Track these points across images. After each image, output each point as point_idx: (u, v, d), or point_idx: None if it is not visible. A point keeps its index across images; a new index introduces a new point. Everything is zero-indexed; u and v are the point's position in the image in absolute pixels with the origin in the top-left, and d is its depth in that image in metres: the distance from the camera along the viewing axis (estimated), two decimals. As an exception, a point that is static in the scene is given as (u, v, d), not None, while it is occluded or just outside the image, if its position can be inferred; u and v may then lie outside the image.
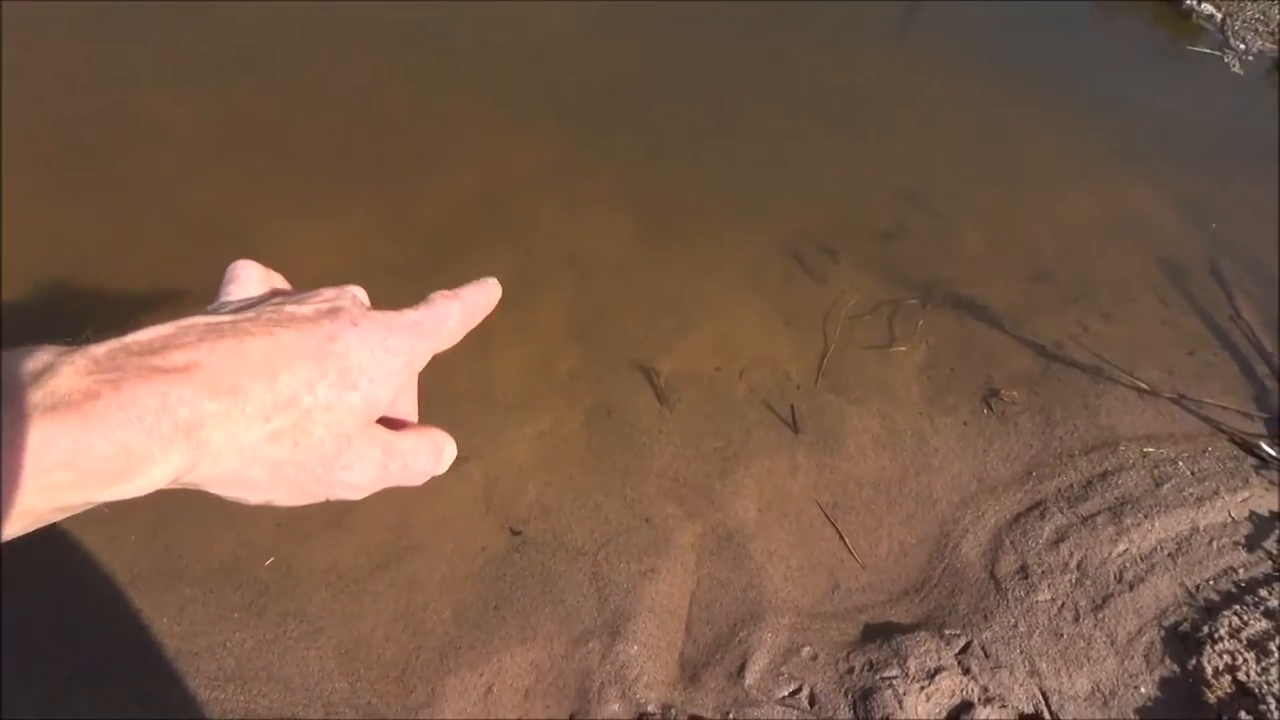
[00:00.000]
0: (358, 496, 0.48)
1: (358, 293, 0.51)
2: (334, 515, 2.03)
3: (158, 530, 1.96)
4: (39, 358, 0.37)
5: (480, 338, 2.40)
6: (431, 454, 0.51)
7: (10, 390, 0.35)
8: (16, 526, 0.36)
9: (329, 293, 0.49)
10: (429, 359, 0.52)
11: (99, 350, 0.38)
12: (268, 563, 1.94)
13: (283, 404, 0.42)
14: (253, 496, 0.44)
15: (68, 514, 0.38)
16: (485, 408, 2.26)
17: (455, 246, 2.59)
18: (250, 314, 0.45)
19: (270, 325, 0.44)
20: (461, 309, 0.53)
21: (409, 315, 0.50)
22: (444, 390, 2.28)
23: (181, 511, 1.99)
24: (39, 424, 0.35)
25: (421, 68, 3.10)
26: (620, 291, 2.56)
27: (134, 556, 1.91)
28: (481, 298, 0.56)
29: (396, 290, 2.34)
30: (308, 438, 0.43)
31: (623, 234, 2.70)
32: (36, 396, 0.35)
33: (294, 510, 2.02)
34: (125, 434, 0.37)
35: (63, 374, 0.36)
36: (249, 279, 0.52)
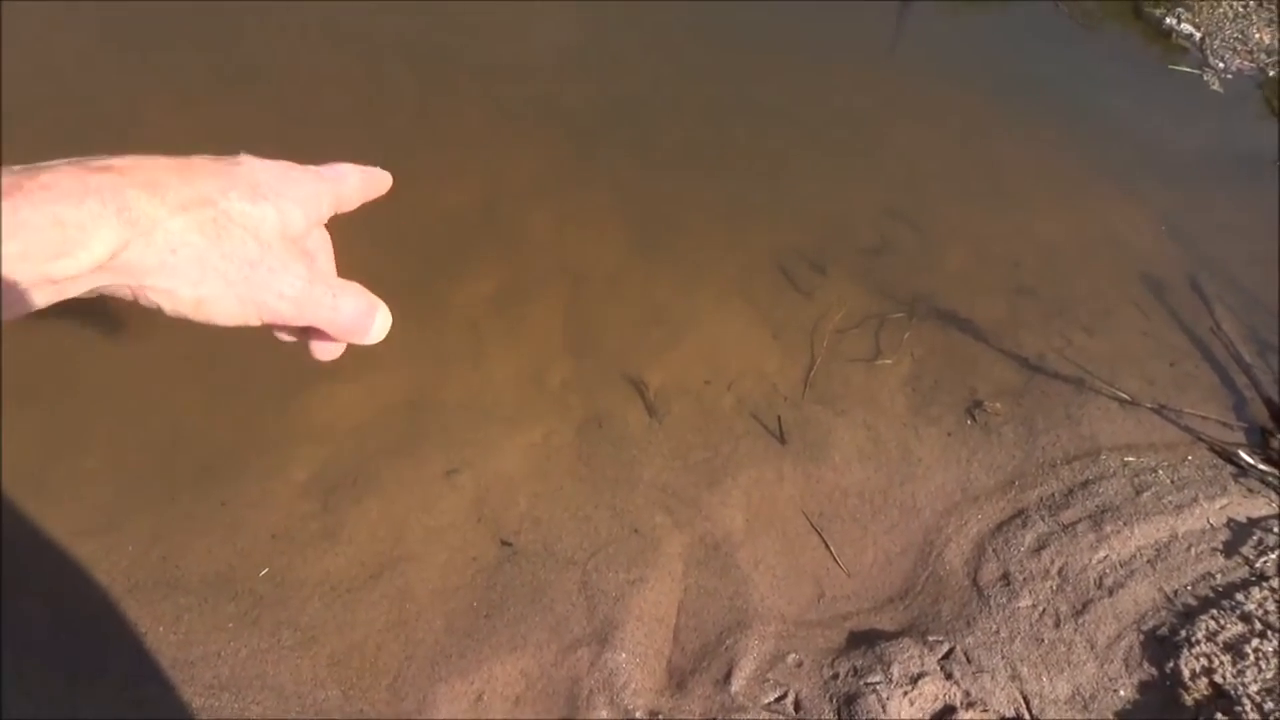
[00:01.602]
0: (287, 311, 0.50)
1: None
2: (327, 526, 2.07)
3: (155, 541, 1.99)
4: None
5: (473, 350, 2.45)
6: (360, 300, 0.53)
7: None
8: None
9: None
10: (331, 209, 0.56)
11: (14, 167, 0.43)
12: (262, 573, 1.97)
13: (199, 201, 0.46)
14: (185, 288, 0.46)
15: (39, 292, 0.42)
16: (477, 419, 2.30)
17: (451, 257, 2.63)
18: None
19: (178, 156, 0.49)
20: (360, 174, 0.58)
21: (310, 166, 0.55)
22: (437, 401, 2.32)
23: (179, 522, 2.02)
24: None
25: (420, 81, 3.14)
26: (612, 304, 2.61)
27: (131, 566, 1.94)
28: (377, 178, 0.61)
29: (389, 299, 2.38)
30: (228, 234, 0.47)
31: (615, 247, 2.75)
32: None
33: (289, 523, 2.06)
34: (54, 208, 0.41)
35: None
36: None
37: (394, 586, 1.98)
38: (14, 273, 0.41)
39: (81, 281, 0.44)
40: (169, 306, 0.47)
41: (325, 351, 0.56)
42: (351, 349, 0.57)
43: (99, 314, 2.35)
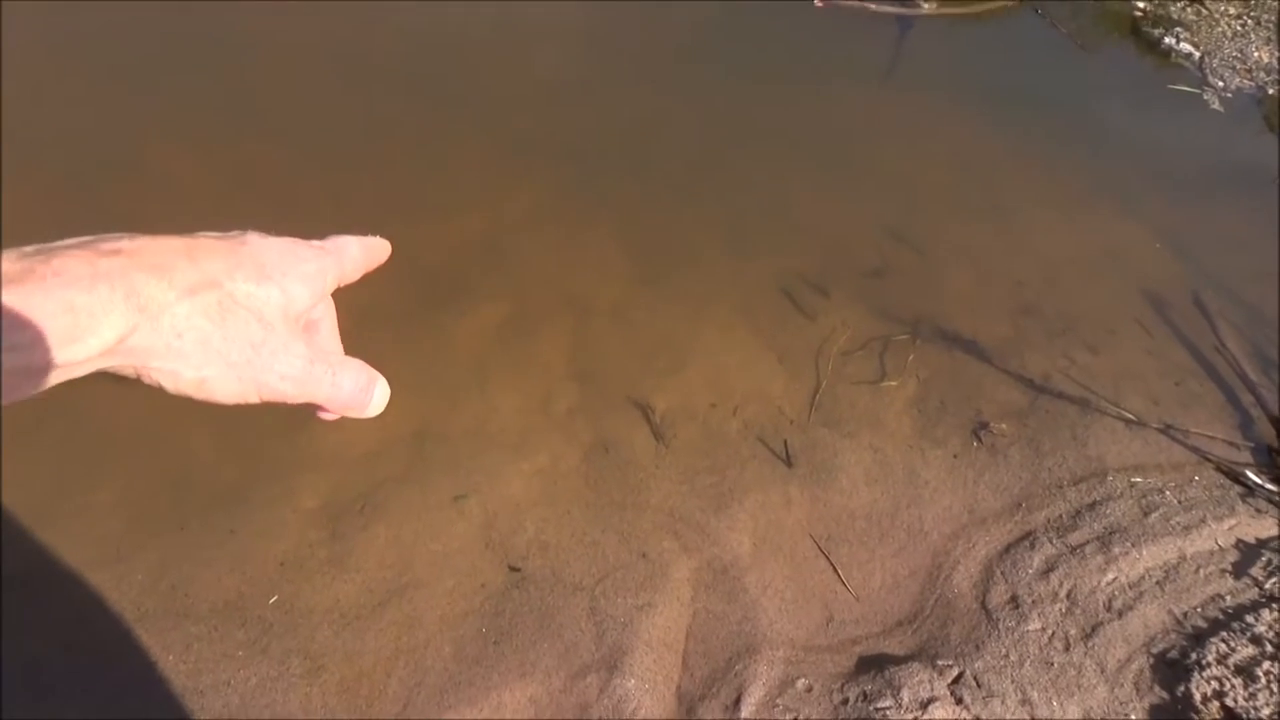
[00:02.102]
0: (289, 390, 0.51)
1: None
2: (335, 554, 2.07)
3: (164, 570, 2.00)
4: None
5: (479, 378, 2.47)
6: (360, 376, 0.55)
7: None
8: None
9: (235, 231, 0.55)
10: (335, 283, 0.57)
11: (27, 248, 0.44)
12: (271, 601, 1.98)
13: (205, 283, 0.47)
14: (188, 370, 0.47)
15: (46, 376, 0.43)
16: (485, 445, 2.31)
17: (455, 288, 2.65)
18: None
19: (186, 236, 0.50)
20: (360, 246, 0.60)
21: (313, 241, 0.57)
22: (444, 429, 2.33)
23: (188, 551, 2.03)
24: None
25: (422, 114, 3.18)
26: (616, 331, 2.62)
27: (141, 595, 1.95)
28: (378, 248, 0.62)
29: (396, 329, 2.40)
30: (233, 316, 0.48)
31: (618, 274, 2.77)
32: None
33: (297, 550, 2.07)
34: (66, 293, 0.42)
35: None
36: None
37: (402, 613, 1.99)
38: (24, 359, 0.42)
39: (87, 364, 0.44)
40: (171, 386, 0.48)
41: (327, 415, 0.58)
42: None
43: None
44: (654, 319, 2.66)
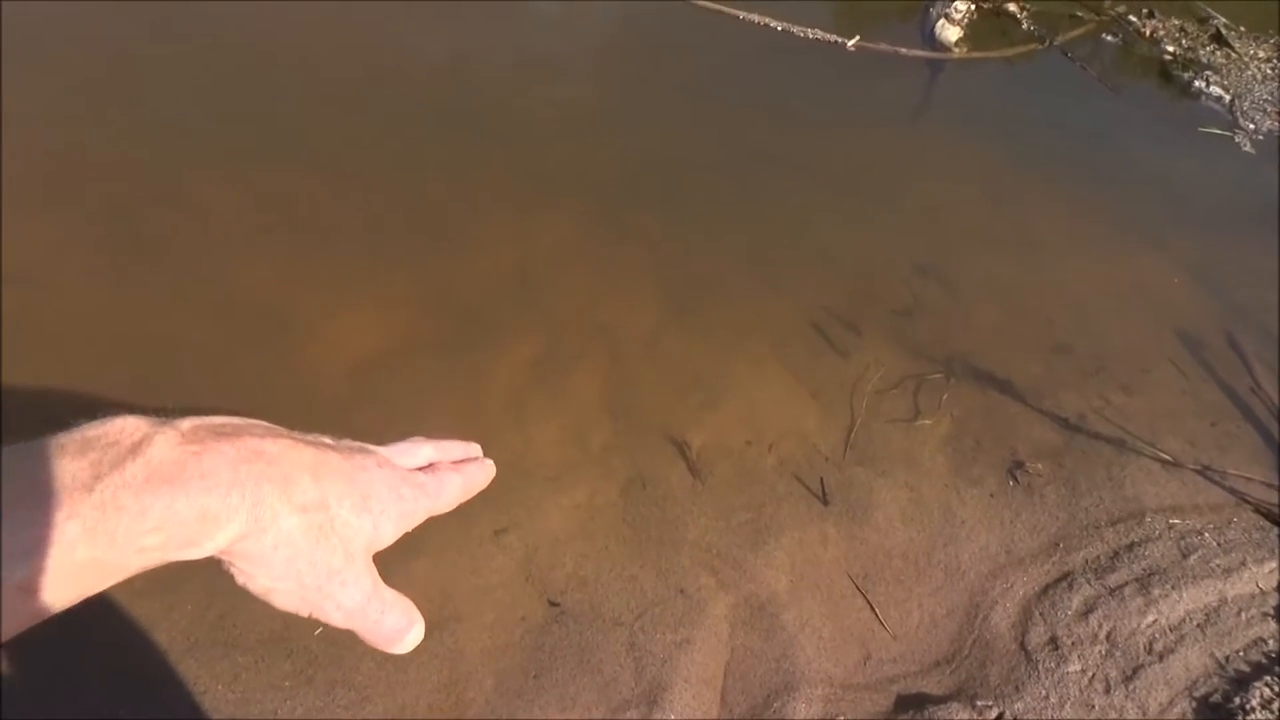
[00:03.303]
0: (337, 619, 0.54)
1: (380, 449, 0.60)
2: (379, 586, 2.10)
3: (212, 601, 2.03)
4: (137, 427, 0.45)
5: (516, 412, 2.51)
6: (402, 620, 0.57)
7: (114, 460, 0.43)
8: (108, 582, 0.44)
9: (358, 442, 0.58)
10: (423, 519, 0.59)
11: (184, 424, 0.47)
12: (317, 632, 2.01)
13: (317, 504, 0.50)
14: (264, 579, 0.50)
15: (141, 571, 0.46)
16: (523, 480, 2.34)
17: (489, 323, 2.70)
18: (300, 433, 0.54)
19: (316, 443, 0.53)
20: (462, 483, 0.62)
21: (420, 477, 0.59)
22: (483, 464, 2.37)
23: (234, 583, 2.06)
24: (139, 494, 0.43)
25: (455, 149, 3.26)
26: (650, 366, 2.66)
27: (190, 626, 1.98)
28: (480, 476, 0.65)
29: (435, 366, 2.45)
30: (326, 541, 0.51)
31: (651, 309, 2.81)
32: (137, 467, 0.43)
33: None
34: (205, 500, 0.45)
35: (158, 445, 0.45)
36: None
37: (444, 646, 2.01)
38: (145, 562, 0.45)
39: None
40: (240, 582, 0.51)
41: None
42: None
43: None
44: (687, 354, 2.70)
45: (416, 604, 1.99)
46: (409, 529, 0.58)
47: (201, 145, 3.12)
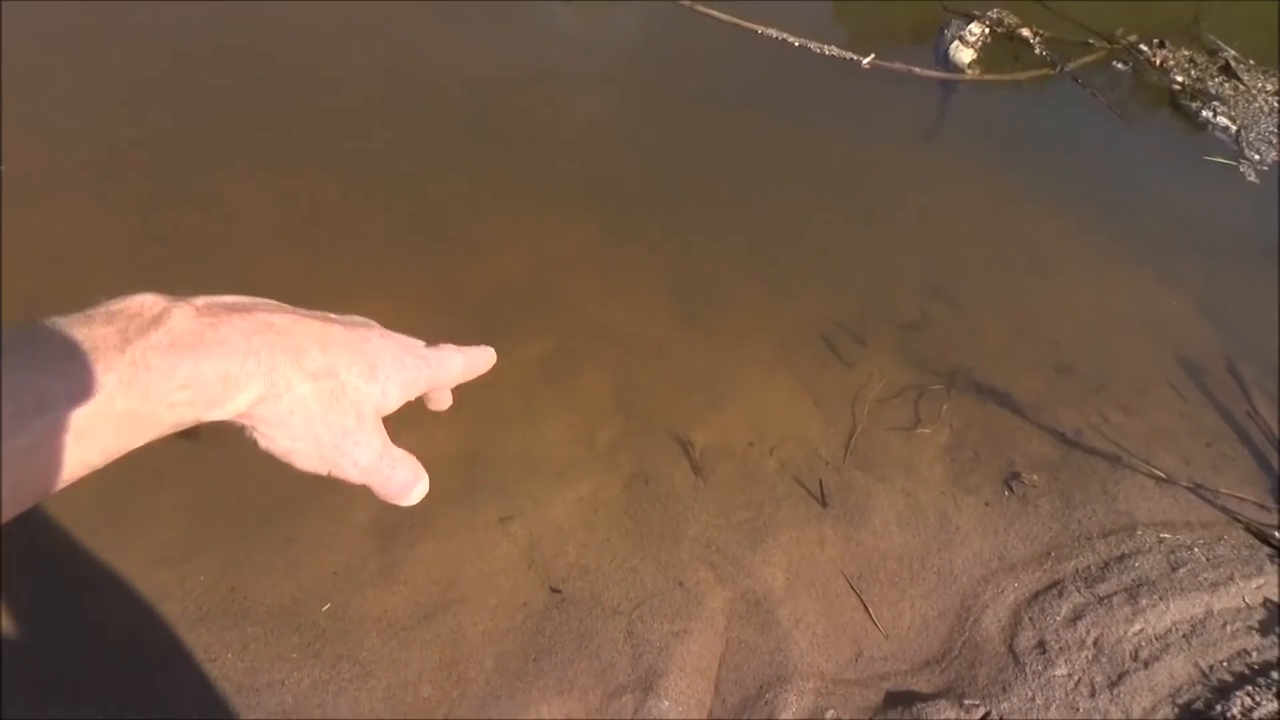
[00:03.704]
0: (354, 474, 0.58)
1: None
2: (385, 567, 2.17)
3: (225, 573, 2.10)
4: (155, 302, 0.50)
5: (527, 408, 2.57)
6: (413, 472, 0.62)
7: (140, 328, 0.48)
8: (147, 435, 0.49)
9: (360, 317, 0.63)
10: (425, 389, 0.65)
11: (199, 301, 0.52)
12: (325, 608, 2.07)
13: (326, 371, 0.55)
14: (284, 440, 0.54)
15: (175, 429, 0.51)
16: (531, 472, 2.40)
17: (503, 321, 2.77)
18: (304, 310, 0.59)
19: (323, 317, 0.58)
20: (464, 361, 0.67)
21: (423, 348, 0.64)
22: (493, 455, 2.43)
23: (247, 557, 2.13)
24: (166, 354, 0.48)
25: (474, 155, 3.33)
26: (659, 368, 2.72)
27: (203, 595, 2.05)
28: (481, 360, 0.70)
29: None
30: (338, 404, 0.56)
31: (661, 314, 2.87)
32: (160, 334, 0.48)
33: (350, 562, 2.16)
34: (226, 364, 0.50)
35: (176, 317, 0.49)
36: None
37: (447, 627, 2.07)
38: (182, 415, 0.49)
39: (215, 418, 0.52)
40: (264, 446, 0.55)
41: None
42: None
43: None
44: (695, 358, 2.76)
45: (421, 586, 2.09)
46: (412, 397, 0.63)
47: (229, 145, 3.20)
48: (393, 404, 0.60)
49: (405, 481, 0.61)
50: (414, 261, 2.91)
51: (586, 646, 2.06)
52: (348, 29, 3.76)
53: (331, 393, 0.55)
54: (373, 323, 0.63)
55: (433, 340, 0.67)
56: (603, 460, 2.47)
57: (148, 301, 0.50)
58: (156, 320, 0.49)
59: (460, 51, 3.75)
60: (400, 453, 0.61)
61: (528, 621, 2.11)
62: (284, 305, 0.57)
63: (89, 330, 0.47)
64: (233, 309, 0.53)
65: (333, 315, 0.60)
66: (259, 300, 0.56)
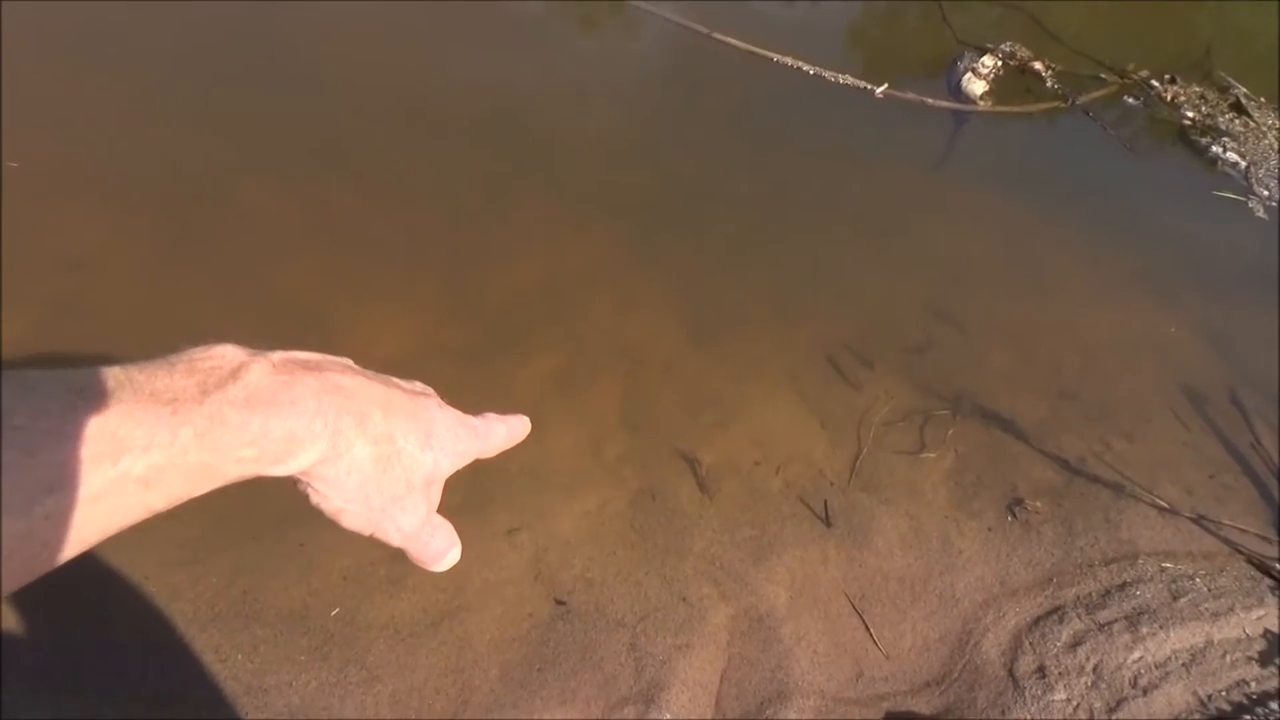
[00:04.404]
0: (394, 539, 0.61)
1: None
2: (394, 575, 2.20)
3: (236, 576, 2.14)
4: (235, 355, 0.52)
5: (536, 423, 2.59)
6: (445, 542, 0.65)
7: (218, 381, 0.50)
8: (210, 485, 0.51)
9: (420, 384, 0.66)
10: (472, 459, 0.67)
11: (275, 356, 0.54)
12: (333, 613, 2.10)
13: (385, 437, 0.58)
14: (337, 499, 0.55)
15: (237, 481, 0.52)
16: (539, 485, 2.44)
17: (515, 334, 2.81)
18: (371, 372, 0.61)
19: (386, 382, 0.61)
20: (507, 431, 0.70)
21: (473, 419, 0.67)
22: (502, 468, 2.47)
23: (259, 560, 2.17)
24: (240, 410, 0.50)
25: (493, 169, 3.39)
26: (667, 385, 2.76)
27: (214, 597, 2.09)
28: (519, 429, 0.72)
29: (460, 371, 2.56)
30: (391, 471, 0.58)
31: (670, 332, 2.91)
32: (238, 389, 0.50)
33: (359, 567, 2.20)
34: (294, 424, 0.52)
35: (254, 372, 0.52)
36: None
37: (453, 634, 2.10)
38: (242, 470, 0.50)
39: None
40: (314, 501, 0.57)
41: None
42: None
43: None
44: (703, 376, 2.80)
45: (429, 593, 2.14)
46: (460, 467, 0.66)
47: (253, 152, 3.27)
48: (443, 473, 0.63)
49: (440, 550, 0.64)
50: (429, 271, 2.96)
51: (590, 658, 2.09)
52: (376, 46, 3.84)
53: (388, 458, 0.57)
54: (431, 390, 0.65)
55: (475, 409, 0.69)
56: (610, 475, 2.50)
57: (228, 354, 0.52)
58: (234, 374, 0.50)
59: (485, 69, 3.82)
60: (439, 520, 0.64)
61: (533, 632, 2.14)
62: (352, 365, 0.60)
63: (170, 380, 0.49)
64: (306, 366, 0.55)
65: (396, 380, 0.63)
66: (330, 359, 0.59)
